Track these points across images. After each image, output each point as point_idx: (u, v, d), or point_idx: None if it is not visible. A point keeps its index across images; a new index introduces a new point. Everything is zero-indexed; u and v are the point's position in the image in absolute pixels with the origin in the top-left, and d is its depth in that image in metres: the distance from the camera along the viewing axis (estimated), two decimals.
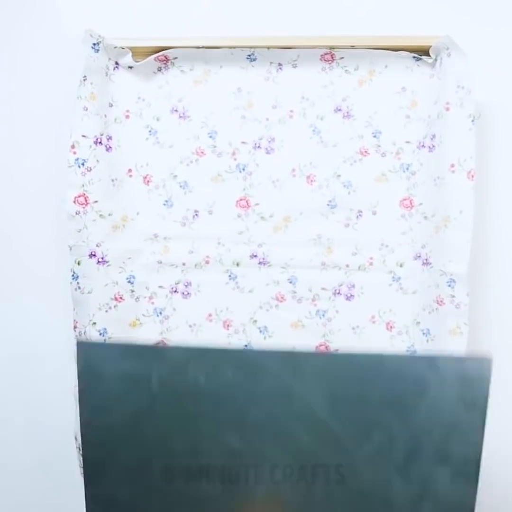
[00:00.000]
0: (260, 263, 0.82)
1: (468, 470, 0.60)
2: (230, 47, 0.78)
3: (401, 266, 0.82)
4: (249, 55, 0.81)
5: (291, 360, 0.61)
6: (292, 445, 0.63)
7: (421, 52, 0.79)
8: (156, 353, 0.63)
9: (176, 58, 0.81)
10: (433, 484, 0.61)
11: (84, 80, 0.77)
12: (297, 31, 0.80)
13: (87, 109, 0.77)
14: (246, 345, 0.80)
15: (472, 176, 0.75)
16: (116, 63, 0.80)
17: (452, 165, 0.76)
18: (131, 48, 0.79)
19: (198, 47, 0.78)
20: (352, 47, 0.78)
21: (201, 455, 0.63)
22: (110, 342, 0.76)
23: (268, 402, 0.62)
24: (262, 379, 0.61)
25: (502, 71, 0.82)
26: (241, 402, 0.62)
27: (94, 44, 0.77)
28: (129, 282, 0.82)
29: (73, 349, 0.74)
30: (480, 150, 0.78)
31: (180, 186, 0.82)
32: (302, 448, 0.63)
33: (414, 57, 0.80)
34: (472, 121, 0.74)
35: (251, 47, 0.79)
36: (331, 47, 0.79)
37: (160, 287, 0.83)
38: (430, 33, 0.77)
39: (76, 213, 0.77)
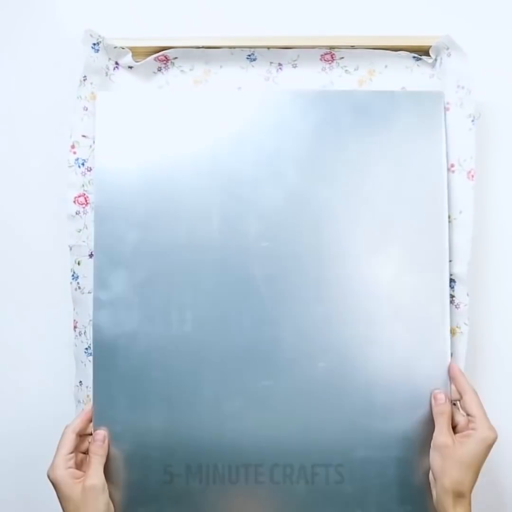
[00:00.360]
0: None
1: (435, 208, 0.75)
2: (230, 47, 0.78)
3: None
4: (249, 55, 0.80)
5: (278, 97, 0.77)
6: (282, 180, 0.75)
7: (421, 52, 0.79)
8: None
9: (176, 58, 0.81)
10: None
11: (84, 80, 0.77)
12: (297, 31, 0.80)
13: (87, 109, 0.77)
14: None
15: (472, 176, 0.75)
16: (116, 63, 0.80)
17: (452, 165, 0.76)
18: (131, 48, 0.78)
19: (198, 47, 0.78)
20: (352, 47, 0.78)
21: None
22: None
23: (261, 137, 0.76)
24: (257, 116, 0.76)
25: (503, 71, 0.82)
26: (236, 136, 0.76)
27: (94, 44, 0.77)
28: None
29: (73, 348, 0.75)
30: (480, 150, 0.78)
31: None
32: (291, 185, 0.75)
33: (414, 57, 0.80)
34: (472, 121, 0.74)
35: (251, 47, 0.79)
36: (331, 47, 0.79)
37: None
38: (430, 33, 0.77)
39: (76, 213, 0.77)
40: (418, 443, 0.73)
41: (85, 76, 0.77)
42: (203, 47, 0.78)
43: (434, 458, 0.68)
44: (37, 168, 0.83)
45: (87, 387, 0.77)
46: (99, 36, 0.77)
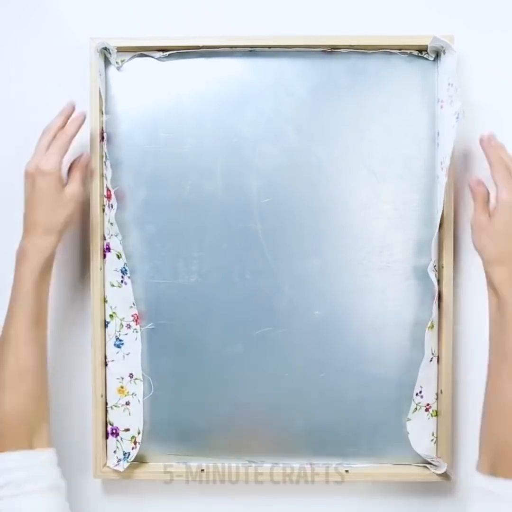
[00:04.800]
0: None
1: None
2: (230, 47, 0.80)
3: None
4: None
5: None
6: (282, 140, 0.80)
7: (421, 51, 0.80)
8: None
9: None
10: None
11: (100, 75, 0.78)
12: (297, 31, 0.81)
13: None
14: None
15: (446, 173, 0.76)
16: (117, 62, 0.81)
17: (441, 163, 0.78)
18: (131, 48, 0.80)
19: (198, 47, 0.79)
20: (352, 47, 0.79)
21: None
22: None
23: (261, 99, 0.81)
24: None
25: (499, 72, 0.82)
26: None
27: (101, 49, 0.79)
28: None
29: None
30: (469, 148, 0.81)
31: None
32: (290, 144, 0.80)
33: (416, 54, 0.80)
34: (457, 118, 0.75)
35: (251, 47, 0.80)
36: (331, 47, 0.80)
37: None
38: (430, 33, 0.77)
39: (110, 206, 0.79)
40: (407, 385, 0.79)
41: (99, 71, 0.78)
42: (203, 46, 0.79)
43: (474, 238, 0.73)
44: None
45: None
46: (103, 42, 0.78)
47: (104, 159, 0.79)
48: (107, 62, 0.80)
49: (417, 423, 0.79)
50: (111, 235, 0.79)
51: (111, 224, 0.78)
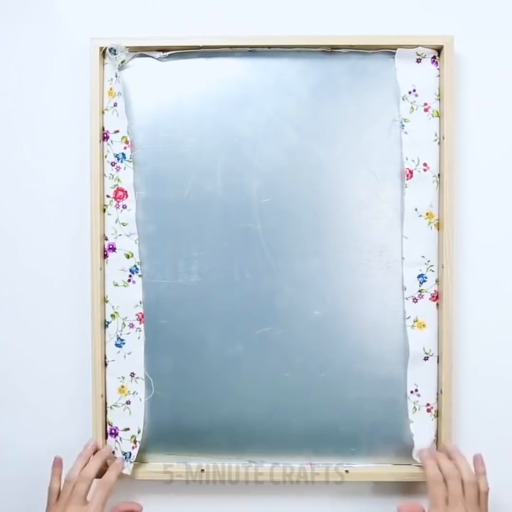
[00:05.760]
0: None
1: None
2: (230, 47, 0.80)
3: None
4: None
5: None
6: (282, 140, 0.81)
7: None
8: None
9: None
10: None
11: (117, 78, 0.79)
12: (297, 31, 0.82)
13: (116, 105, 0.80)
14: None
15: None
16: (121, 62, 0.81)
17: (425, 164, 0.79)
18: (130, 48, 0.80)
19: (198, 47, 0.80)
20: (352, 47, 0.80)
21: None
22: None
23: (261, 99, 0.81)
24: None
25: (498, 72, 0.83)
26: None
27: (109, 49, 0.79)
28: None
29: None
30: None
31: None
32: (290, 144, 0.81)
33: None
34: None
35: (251, 47, 0.80)
36: (331, 47, 0.80)
37: None
38: (430, 33, 0.79)
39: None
40: (405, 384, 0.80)
41: (116, 74, 0.79)
42: (203, 46, 0.80)
43: None
44: (43, 170, 0.84)
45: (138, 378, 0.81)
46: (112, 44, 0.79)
47: (126, 160, 0.80)
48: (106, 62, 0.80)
49: (420, 425, 0.79)
50: (120, 235, 0.80)
51: (123, 224, 0.79)
